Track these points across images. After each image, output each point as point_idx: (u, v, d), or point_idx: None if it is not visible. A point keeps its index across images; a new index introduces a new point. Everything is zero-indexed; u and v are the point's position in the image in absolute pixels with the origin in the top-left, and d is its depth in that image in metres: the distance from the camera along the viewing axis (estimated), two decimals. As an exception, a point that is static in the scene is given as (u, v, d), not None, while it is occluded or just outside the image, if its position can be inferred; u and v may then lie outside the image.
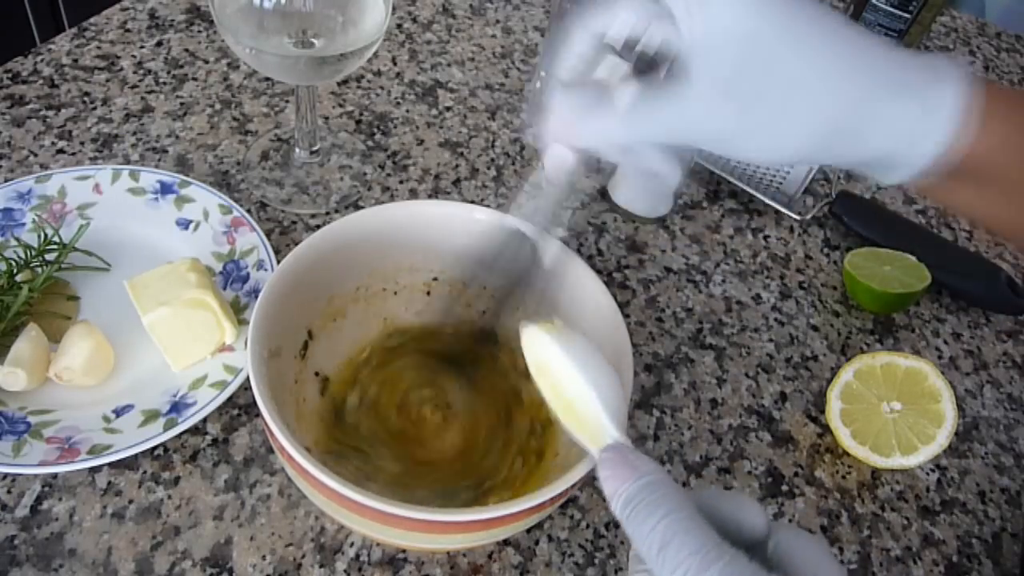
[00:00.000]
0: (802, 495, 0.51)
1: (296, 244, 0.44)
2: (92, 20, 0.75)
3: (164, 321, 0.47)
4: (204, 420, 0.48)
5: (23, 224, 0.55)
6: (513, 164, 0.69)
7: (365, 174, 0.66)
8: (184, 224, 0.57)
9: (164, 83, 0.70)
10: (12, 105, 0.66)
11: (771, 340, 0.60)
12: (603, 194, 0.68)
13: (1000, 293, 0.63)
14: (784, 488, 0.52)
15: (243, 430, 0.49)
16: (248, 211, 0.60)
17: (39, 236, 0.53)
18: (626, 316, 0.48)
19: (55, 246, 0.52)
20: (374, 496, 0.34)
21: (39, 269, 0.52)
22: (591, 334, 0.44)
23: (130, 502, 0.45)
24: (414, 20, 0.82)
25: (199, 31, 0.76)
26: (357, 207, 0.63)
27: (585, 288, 0.45)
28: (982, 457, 0.55)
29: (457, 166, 0.68)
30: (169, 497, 0.45)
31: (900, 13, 0.77)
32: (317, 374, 0.47)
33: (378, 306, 0.50)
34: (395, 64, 0.77)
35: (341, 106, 0.71)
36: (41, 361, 0.47)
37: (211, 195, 0.58)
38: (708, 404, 0.55)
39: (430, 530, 0.36)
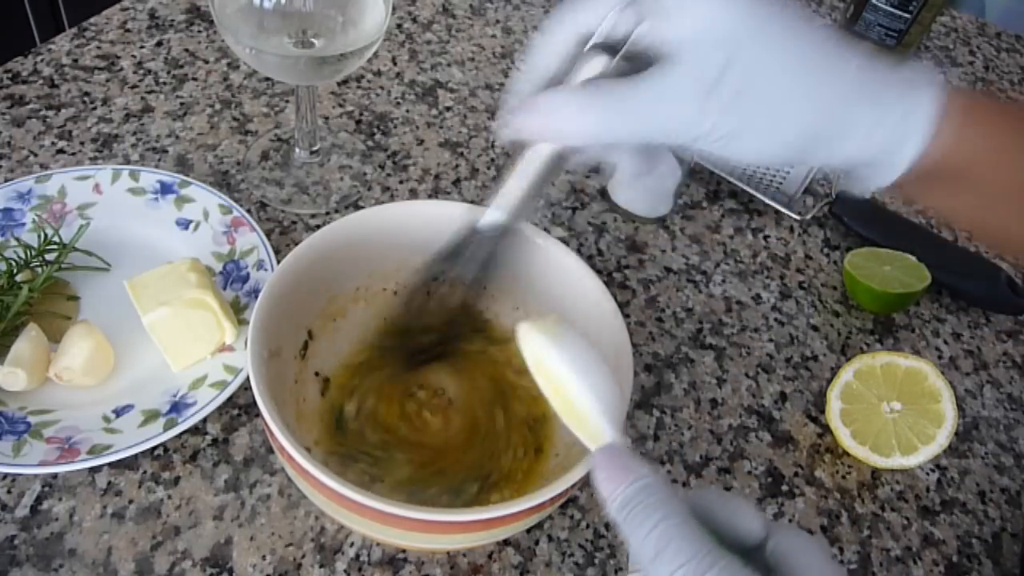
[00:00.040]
0: (802, 495, 0.51)
1: (296, 244, 0.44)
2: (92, 20, 0.75)
3: (164, 321, 0.47)
4: (204, 420, 0.48)
5: (23, 224, 0.55)
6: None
7: (365, 174, 0.66)
8: (184, 224, 0.57)
9: (164, 83, 0.70)
10: (12, 105, 0.66)
11: (771, 340, 0.60)
12: (603, 194, 0.68)
13: (1000, 293, 0.63)
14: (784, 488, 0.52)
15: (243, 430, 0.49)
16: (248, 211, 0.60)
17: (39, 236, 0.53)
18: (626, 316, 0.48)
19: (55, 246, 0.52)
20: (374, 496, 0.34)
21: (39, 269, 0.52)
22: (591, 334, 0.44)
23: (130, 502, 0.45)
24: (414, 20, 0.82)
25: (199, 31, 0.76)
26: (357, 207, 0.63)
27: (585, 288, 0.45)
28: (982, 457, 0.55)
29: (457, 166, 0.68)
30: (169, 497, 0.45)
31: (900, 13, 0.77)
32: (317, 374, 0.47)
33: (378, 306, 0.50)
34: (395, 64, 0.77)
35: (341, 106, 0.71)
36: (41, 361, 0.47)
37: (211, 195, 0.58)
38: (708, 404, 0.55)
39: (430, 530, 0.36)
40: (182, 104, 0.68)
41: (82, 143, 0.64)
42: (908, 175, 0.34)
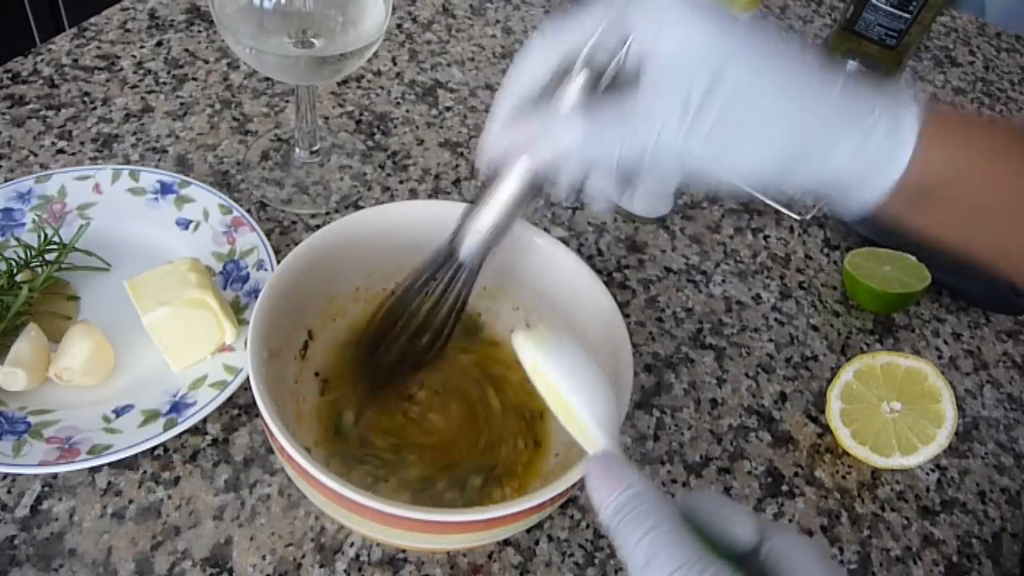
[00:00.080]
0: (802, 495, 0.51)
1: (296, 244, 0.44)
2: (92, 20, 0.75)
3: (164, 321, 0.47)
4: (204, 420, 0.48)
5: (23, 224, 0.55)
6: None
7: (365, 174, 0.66)
8: (184, 224, 0.57)
9: (164, 83, 0.70)
10: (12, 105, 0.66)
11: (771, 340, 0.60)
12: (603, 194, 0.68)
13: (1000, 293, 0.63)
14: (784, 488, 0.52)
15: (243, 430, 0.49)
16: (248, 211, 0.60)
17: (39, 236, 0.53)
18: (626, 316, 0.48)
19: (55, 246, 0.52)
20: (373, 496, 0.34)
21: (39, 269, 0.52)
22: (591, 334, 0.44)
23: (130, 502, 0.45)
24: (414, 20, 0.82)
25: (199, 31, 0.76)
26: (357, 207, 0.63)
27: (585, 288, 0.45)
28: (982, 457, 0.55)
29: (457, 166, 0.68)
30: (169, 497, 0.45)
31: (900, 13, 0.77)
32: (317, 374, 0.47)
33: (378, 306, 0.49)
34: (395, 64, 0.77)
35: (341, 106, 0.71)
36: (41, 361, 0.47)
37: (211, 195, 0.58)
38: (708, 404, 0.55)
39: (430, 530, 0.36)
40: (182, 104, 0.68)
41: (82, 143, 0.64)
42: (894, 194, 0.34)
